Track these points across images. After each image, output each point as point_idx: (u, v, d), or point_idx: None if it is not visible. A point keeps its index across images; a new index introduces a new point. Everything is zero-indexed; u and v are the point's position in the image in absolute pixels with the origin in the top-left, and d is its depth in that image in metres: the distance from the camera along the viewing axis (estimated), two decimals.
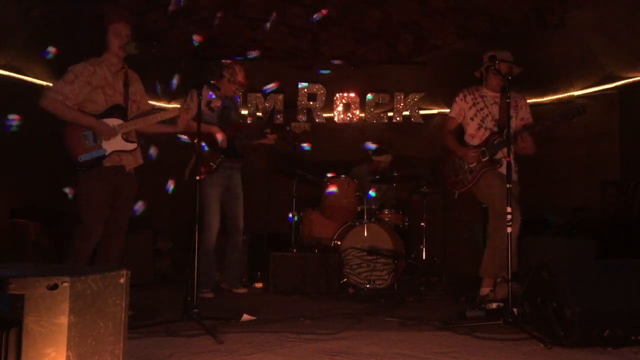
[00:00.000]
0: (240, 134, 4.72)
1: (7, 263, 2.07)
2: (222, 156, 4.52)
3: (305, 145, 5.09)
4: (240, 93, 5.00)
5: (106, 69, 3.52)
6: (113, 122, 3.49)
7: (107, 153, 3.45)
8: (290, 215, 5.60)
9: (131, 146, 3.57)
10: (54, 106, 3.36)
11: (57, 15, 5.77)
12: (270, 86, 6.91)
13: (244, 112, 7.34)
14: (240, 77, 4.65)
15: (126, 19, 3.53)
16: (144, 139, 3.87)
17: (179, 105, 7.13)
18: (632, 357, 2.64)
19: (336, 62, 7.26)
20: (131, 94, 3.63)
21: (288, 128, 4.93)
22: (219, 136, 4.45)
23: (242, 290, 4.79)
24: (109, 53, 3.53)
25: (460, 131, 4.38)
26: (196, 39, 3.74)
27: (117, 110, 3.51)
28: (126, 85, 3.60)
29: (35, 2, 5.51)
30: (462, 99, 4.29)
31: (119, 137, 3.50)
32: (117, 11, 3.56)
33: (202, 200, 4.44)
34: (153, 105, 6.95)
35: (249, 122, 7.28)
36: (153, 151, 3.94)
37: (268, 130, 4.75)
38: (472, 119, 4.26)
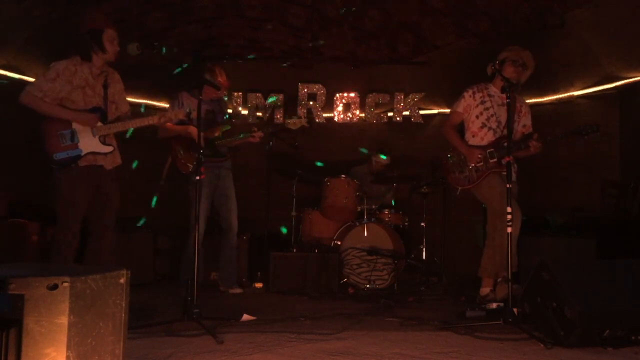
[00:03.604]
0: (225, 135, 4.64)
1: (7, 263, 2.07)
2: (201, 157, 4.46)
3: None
4: (223, 95, 4.93)
5: (88, 70, 3.53)
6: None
7: (82, 153, 3.45)
8: (289, 217, 5.60)
9: (107, 149, 3.56)
10: (32, 102, 3.38)
11: (57, 15, 5.77)
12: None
13: (244, 112, 7.34)
14: (221, 78, 4.60)
15: (113, 24, 3.54)
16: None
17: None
18: (632, 357, 2.64)
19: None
20: (110, 95, 3.63)
21: (286, 123, 4.77)
22: (194, 135, 4.36)
23: (237, 291, 4.77)
24: (100, 57, 3.53)
25: (459, 127, 4.36)
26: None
27: (96, 112, 3.52)
28: (105, 87, 3.60)
29: (35, 2, 5.51)
30: (470, 96, 4.25)
31: (96, 139, 3.50)
32: (105, 15, 3.55)
33: (188, 200, 4.44)
34: (152, 105, 6.96)
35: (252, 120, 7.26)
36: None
37: (255, 129, 4.64)
38: (477, 117, 4.22)
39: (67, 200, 3.42)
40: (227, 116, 4.99)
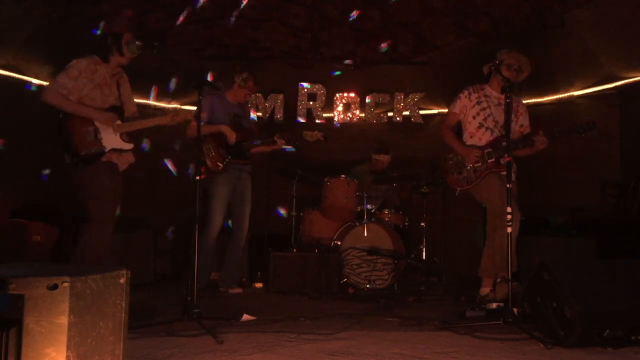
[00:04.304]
0: (250, 139, 4.76)
1: (7, 263, 2.07)
2: (229, 157, 4.58)
3: (288, 147, 4.97)
4: (250, 98, 5.08)
5: (105, 70, 3.60)
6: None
7: (106, 150, 3.52)
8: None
9: (128, 145, 3.64)
10: (56, 99, 3.41)
11: (57, 15, 5.77)
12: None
13: None
14: (251, 82, 4.78)
15: (134, 31, 3.62)
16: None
17: (177, 106, 7.19)
18: (632, 357, 2.64)
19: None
20: (121, 95, 3.71)
21: (304, 134, 4.88)
22: (229, 135, 4.54)
23: (237, 291, 4.80)
24: (117, 59, 3.60)
25: (457, 129, 4.36)
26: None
27: (115, 111, 3.59)
28: (118, 87, 3.68)
29: (35, 2, 5.51)
30: (466, 97, 4.26)
31: (117, 136, 3.57)
32: (130, 22, 3.63)
33: (208, 197, 4.53)
34: (154, 105, 6.97)
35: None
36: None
37: (277, 136, 4.77)
38: (474, 117, 4.23)
39: (101, 197, 3.46)
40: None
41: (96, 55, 3.57)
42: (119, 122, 3.57)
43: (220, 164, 4.56)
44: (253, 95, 7.25)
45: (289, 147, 4.85)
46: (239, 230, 4.80)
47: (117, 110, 3.61)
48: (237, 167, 4.70)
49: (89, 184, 3.46)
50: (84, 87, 3.48)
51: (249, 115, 5.17)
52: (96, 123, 3.49)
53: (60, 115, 3.43)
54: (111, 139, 3.54)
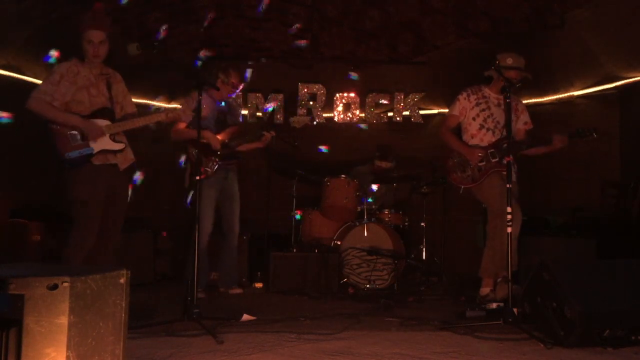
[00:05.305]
0: (236, 137, 4.69)
1: (7, 263, 2.07)
2: (217, 160, 4.52)
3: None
4: (234, 95, 4.98)
5: (88, 71, 3.54)
6: (100, 122, 3.50)
7: (94, 152, 3.45)
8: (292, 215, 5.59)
9: (118, 146, 3.57)
10: (40, 107, 3.37)
11: (57, 15, 5.76)
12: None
13: (244, 112, 7.33)
14: (234, 79, 4.65)
15: (99, 25, 3.51)
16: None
17: (177, 105, 7.18)
18: (632, 357, 2.65)
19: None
20: (114, 95, 3.64)
21: (291, 121, 4.77)
22: (212, 142, 4.46)
23: (237, 291, 4.78)
24: (87, 59, 3.54)
25: (456, 130, 4.37)
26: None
27: (104, 112, 3.54)
28: (109, 87, 3.62)
29: (35, 2, 5.50)
30: (465, 98, 4.27)
31: (106, 137, 3.50)
32: (91, 17, 3.54)
33: (197, 200, 4.47)
34: (151, 105, 6.97)
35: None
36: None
37: (264, 132, 4.69)
38: (474, 119, 4.24)
39: (79, 200, 3.41)
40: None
41: (75, 57, 3.52)
42: (108, 123, 3.51)
43: (209, 169, 4.49)
44: (253, 95, 7.30)
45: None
46: (230, 230, 4.75)
47: (107, 111, 3.55)
48: (224, 167, 4.62)
49: (73, 187, 3.41)
50: (67, 92, 3.43)
51: (235, 110, 5.02)
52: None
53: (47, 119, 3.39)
54: (100, 140, 3.47)
